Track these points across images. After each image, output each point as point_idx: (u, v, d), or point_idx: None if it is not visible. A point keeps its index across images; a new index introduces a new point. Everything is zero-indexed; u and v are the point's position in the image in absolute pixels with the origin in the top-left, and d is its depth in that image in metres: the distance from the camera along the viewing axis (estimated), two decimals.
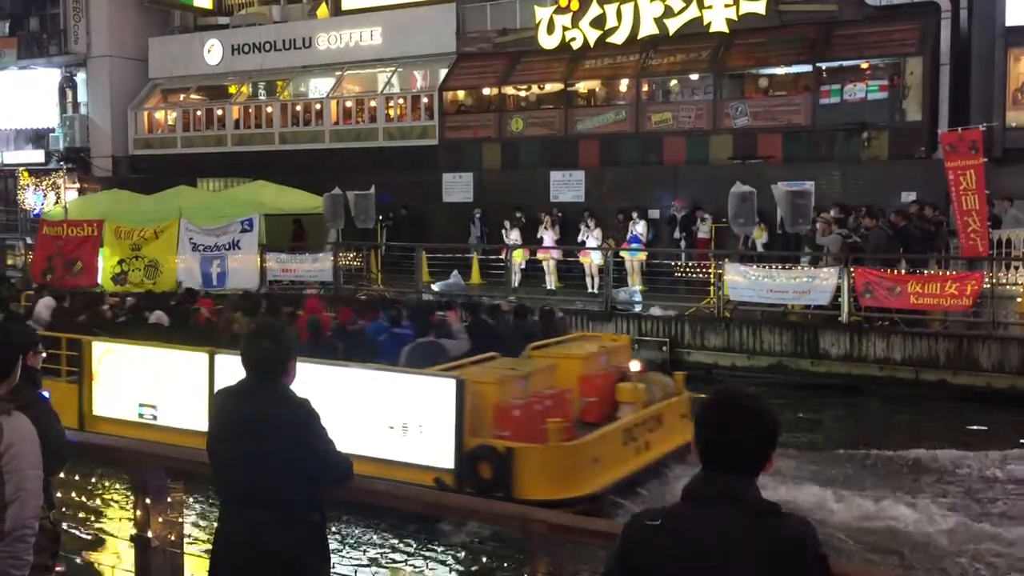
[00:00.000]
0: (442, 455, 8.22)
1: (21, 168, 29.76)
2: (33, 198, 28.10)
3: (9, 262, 24.04)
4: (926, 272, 14.08)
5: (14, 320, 10.31)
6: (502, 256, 18.04)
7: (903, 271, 14.04)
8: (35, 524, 3.12)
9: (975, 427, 12.08)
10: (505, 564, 3.55)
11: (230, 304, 13.07)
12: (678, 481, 8.89)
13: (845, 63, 20.05)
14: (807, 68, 20.17)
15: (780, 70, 20.98)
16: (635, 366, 10.18)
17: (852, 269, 14.00)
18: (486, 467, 8.09)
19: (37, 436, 3.17)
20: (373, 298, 15.29)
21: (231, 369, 10.04)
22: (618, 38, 21.91)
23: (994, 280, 13.88)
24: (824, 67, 20.07)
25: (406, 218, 21.95)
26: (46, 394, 4.26)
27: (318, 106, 26.46)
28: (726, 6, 20.77)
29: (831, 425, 12.68)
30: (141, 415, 10.01)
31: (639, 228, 18.78)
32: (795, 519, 2.31)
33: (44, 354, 4.29)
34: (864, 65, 20.05)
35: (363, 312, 12.13)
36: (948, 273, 14.11)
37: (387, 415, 8.42)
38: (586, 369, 9.98)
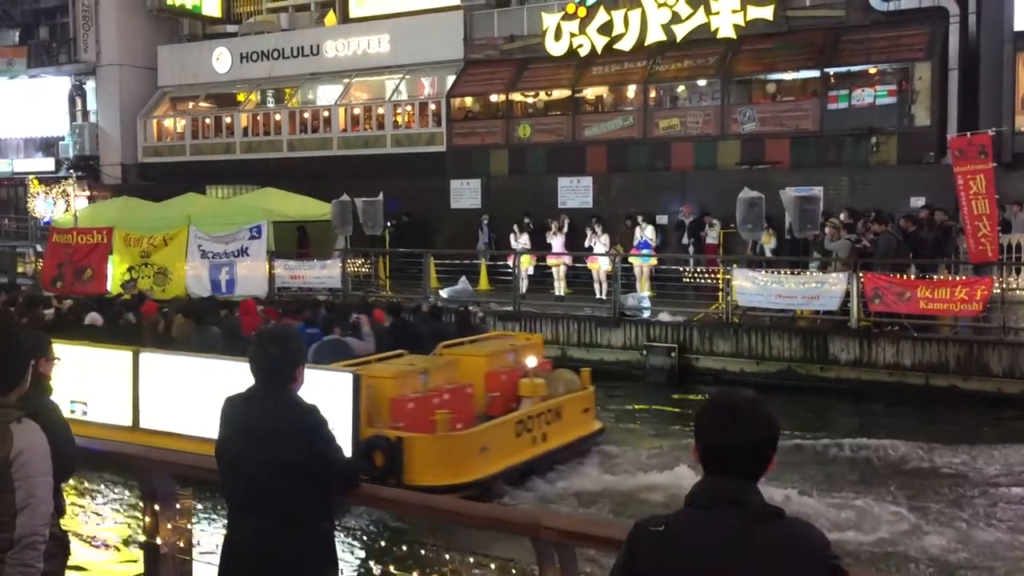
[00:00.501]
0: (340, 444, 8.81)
1: (31, 176, 29.86)
2: (43, 206, 28.18)
3: (20, 270, 24.13)
4: (936, 277, 14.02)
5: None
6: (510, 262, 18.04)
7: (912, 276, 13.99)
8: (45, 531, 3.12)
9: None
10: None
11: (174, 307, 13.68)
12: (574, 471, 9.93)
13: (853, 68, 20.01)
14: (815, 73, 20.14)
15: (788, 75, 20.95)
16: (531, 362, 10.66)
17: (861, 274, 13.96)
18: (379, 455, 8.70)
19: (47, 443, 3.17)
20: (302, 300, 15.62)
21: (156, 367, 10.28)
22: (625, 44, 21.92)
23: (1004, 285, 13.82)
24: (832, 72, 20.04)
25: (409, 224, 21.88)
26: (55, 402, 4.26)
27: (326, 113, 26.52)
28: (733, 12, 20.76)
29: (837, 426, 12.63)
30: (72, 411, 10.23)
31: (647, 233, 18.76)
32: (800, 523, 2.30)
33: (58, 360, 4.30)
34: (872, 70, 20.01)
35: (292, 313, 12.71)
36: (958, 278, 14.05)
37: None
38: (491, 366, 10.59)
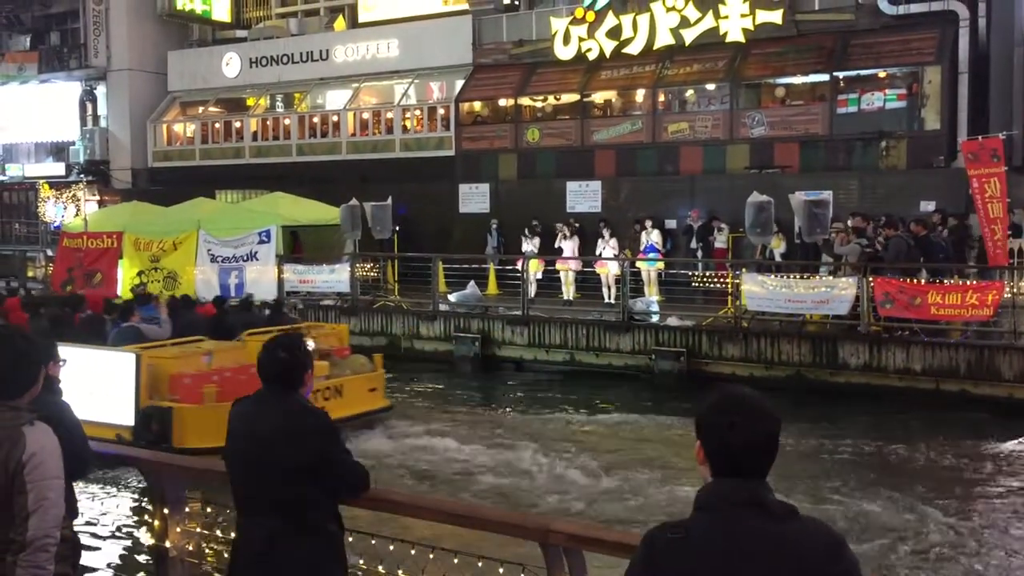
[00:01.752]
0: (124, 415, 10.39)
1: (42, 181, 30.03)
2: (53, 210, 28.32)
3: (30, 274, 24.24)
4: (946, 282, 13.97)
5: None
6: (518, 266, 18.05)
7: (923, 281, 13.94)
8: (57, 534, 3.12)
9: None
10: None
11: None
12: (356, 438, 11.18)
13: (863, 72, 19.98)
14: (824, 77, 20.11)
15: (797, 79, 20.92)
16: (310, 344, 11.84)
17: (871, 279, 13.91)
18: (155, 424, 10.27)
19: (59, 445, 3.18)
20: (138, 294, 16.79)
21: None
22: (634, 49, 21.93)
23: (1015, 289, 13.75)
24: (841, 76, 20.00)
25: (400, 231, 21.14)
26: (66, 402, 4.28)
27: (335, 118, 26.59)
28: (742, 16, 20.75)
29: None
30: None
31: (654, 238, 18.73)
32: (816, 522, 2.23)
33: (65, 363, 4.33)
34: (882, 74, 19.97)
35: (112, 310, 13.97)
36: (969, 283, 13.99)
37: (89, 384, 10.04)
38: None
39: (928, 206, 17.37)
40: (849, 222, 15.90)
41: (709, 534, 2.17)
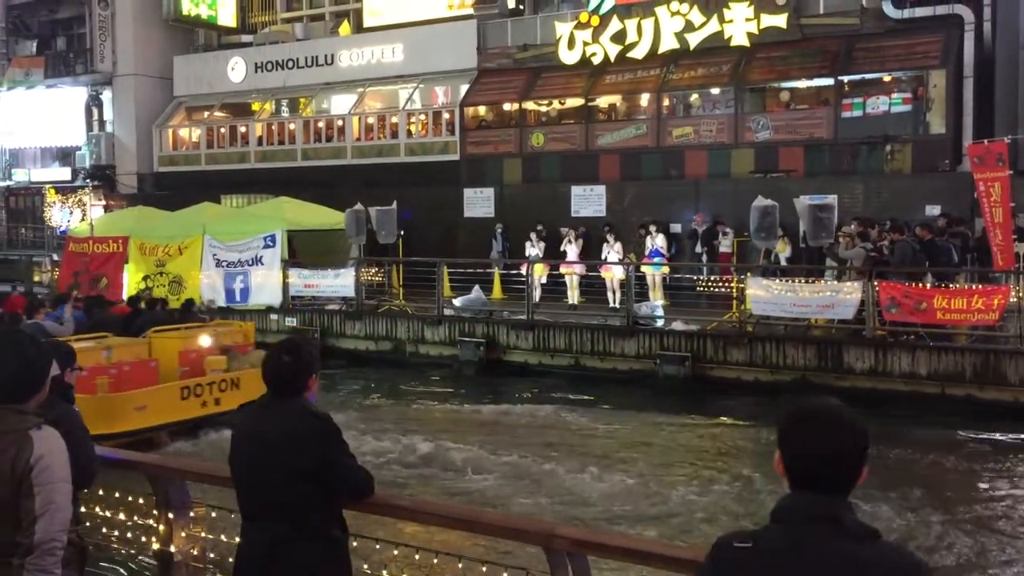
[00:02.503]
0: None
1: (48, 185, 30.15)
2: (59, 215, 28.43)
3: (36, 278, 24.30)
4: (952, 286, 13.93)
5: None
6: (523, 271, 18.06)
7: (928, 285, 13.91)
8: (64, 537, 3.13)
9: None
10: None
11: None
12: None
13: (867, 76, 19.95)
14: (829, 81, 20.09)
15: (802, 83, 20.90)
16: (205, 341, 13.24)
17: (876, 283, 13.89)
18: None
19: (66, 449, 3.19)
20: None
21: None
22: (638, 53, 21.94)
23: (1021, 294, 13.70)
24: (846, 80, 19.99)
25: (404, 235, 20.88)
26: (77, 410, 4.29)
27: (340, 122, 26.63)
28: (747, 20, 20.75)
29: None
30: None
31: (658, 242, 18.73)
32: (899, 547, 2.16)
33: (80, 371, 4.33)
34: (887, 78, 19.95)
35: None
36: (975, 287, 13.95)
37: None
38: (184, 346, 13.07)
39: (933, 210, 17.34)
40: (853, 226, 15.88)
41: (777, 547, 2.11)
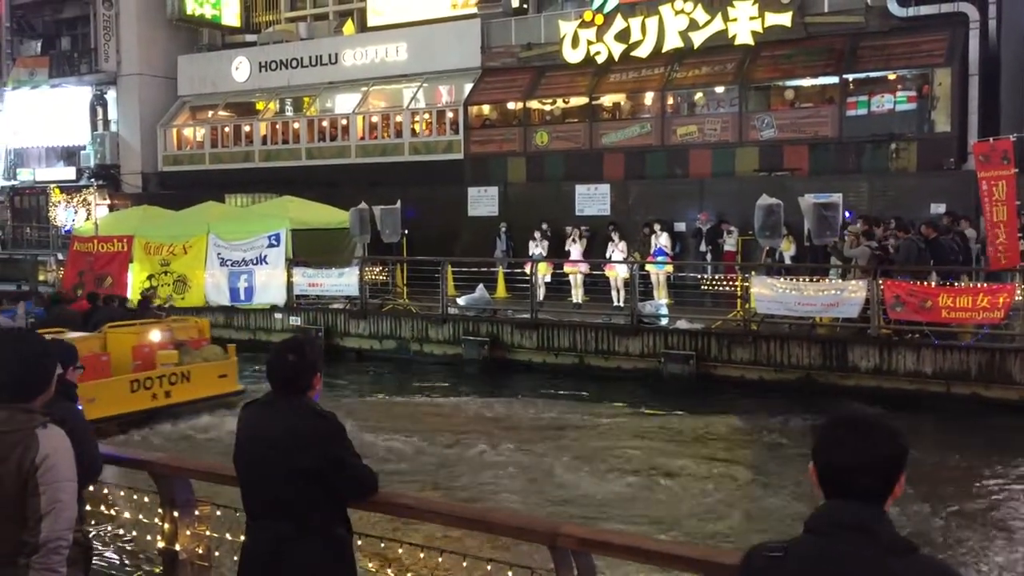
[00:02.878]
0: None
1: (53, 185, 30.21)
2: (64, 214, 28.49)
3: (41, 278, 24.35)
4: (958, 284, 13.90)
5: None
6: (527, 270, 18.05)
7: (933, 283, 13.88)
8: (70, 536, 3.14)
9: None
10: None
11: None
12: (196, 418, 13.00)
13: (872, 74, 19.92)
14: (834, 80, 20.06)
15: (806, 82, 20.87)
16: (156, 336, 13.76)
17: (881, 281, 13.86)
18: None
19: (72, 448, 3.19)
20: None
21: None
22: (643, 52, 21.92)
23: None
24: (851, 78, 19.95)
25: (409, 234, 20.75)
26: (80, 408, 4.30)
27: (344, 121, 26.64)
28: (751, 19, 20.72)
29: None
30: None
31: (663, 241, 18.72)
32: (937, 561, 2.09)
33: (83, 370, 4.35)
34: (892, 76, 19.91)
35: None
36: (980, 286, 13.92)
37: None
38: (138, 341, 13.50)
39: (938, 208, 17.30)
40: (858, 224, 15.86)
41: (809, 557, 2.06)
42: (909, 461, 2.12)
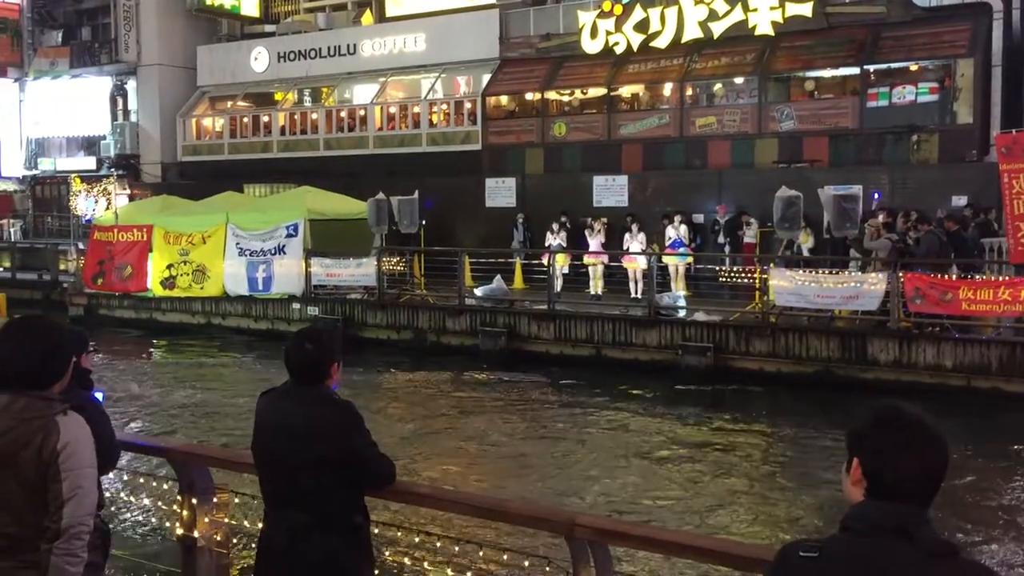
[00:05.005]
0: None
1: (73, 174, 30.36)
2: (85, 204, 28.63)
3: (61, 267, 24.51)
4: (978, 277, 13.78)
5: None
6: (544, 261, 18.03)
7: (954, 276, 13.77)
8: (91, 521, 3.17)
9: None
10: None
11: None
12: None
13: (894, 65, 19.74)
14: (855, 71, 19.90)
15: (827, 73, 20.72)
16: None
17: (901, 274, 13.76)
18: None
19: (91, 435, 3.22)
20: None
21: None
22: (662, 42, 21.81)
23: None
24: (872, 69, 19.78)
25: (426, 225, 20.66)
26: (99, 395, 4.32)
27: (362, 112, 26.67)
28: (772, 9, 20.57)
29: None
30: None
31: (681, 232, 18.65)
32: (978, 566, 2.02)
33: (94, 350, 4.38)
34: (913, 67, 19.72)
35: None
36: (1001, 279, 13.80)
37: None
38: None
39: (959, 201, 17.15)
40: (880, 217, 15.73)
41: (845, 558, 1.99)
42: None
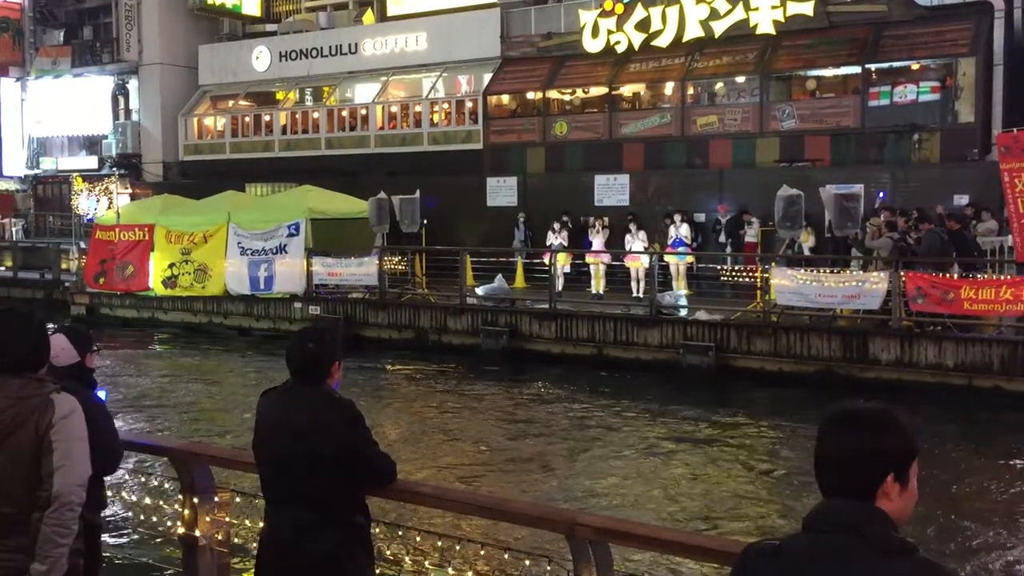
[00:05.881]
0: None
1: (75, 174, 30.42)
2: (86, 203, 28.67)
3: (63, 266, 24.53)
4: (980, 277, 13.78)
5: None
6: (546, 260, 18.03)
7: (956, 275, 13.76)
8: (81, 493, 3.28)
9: None
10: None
11: None
12: None
13: (895, 64, 19.73)
14: (856, 69, 19.88)
15: (828, 72, 20.70)
16: None
17: (903, 273, 13.75)
18: None
19: (83, 411, 3.38)
20: None
21: None
22: (663, 41, 21.80)
23: None
24: (873, 68, 19.77)
25: (427, 224, 20.71)
26: (101, 394, 4.33)
27: (364, 111, 26.68)
28: (773, 8, 20.56)
29: None
30: None
31: (682, 231, 18.65)
32: (935, 565, 1.95)
33: (99, 350, 4.43)
34: (915, 66, 19.71)
35: None
36: (1003, 278, 13.80)
37: None
38: None
39: (961, 200, 17.14)
40: (882, 217, 15.73)
41: (799, 556, 1.99)
42: (901, 459, 1.99)
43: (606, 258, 18.93)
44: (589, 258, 19.02)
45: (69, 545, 3.24)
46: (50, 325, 6.53)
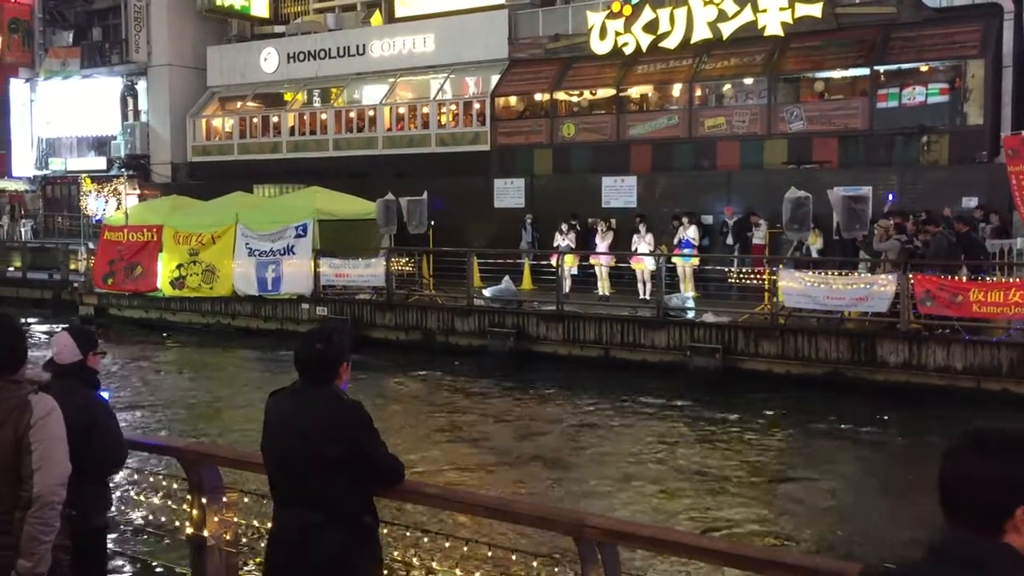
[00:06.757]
0: None
1: (84, 175, 30.48)
2: (95, 204, 28.73)
3: (72, 267, 24.60)
4: (989, 279, 13.73)
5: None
6: (553, 262, 18.02)
7: (964, 278, 13.72)
8: (61, 491, 3.32)
9: None
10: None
11: None
12: None
13: (904, 66, 19.68)
14: (864, 71, 19.84)
15: (836, 73, 20.66)
16: None
17: (911, 276, 13.71)
18: None
19: (61, 411, 3.41)
20: None
21: None
22: (671, 43, 21.79)
23: None
24: (882, 70, 19.73)
25: (435, 225, 20.67)
26: (105, 395, 4.34)
27: (371, 113, 26.71)
28: (781, 9, 20.53)
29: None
30: None
31: (689, 233, 18.62)
32: None
33: (104, 355, 4.42)
34: (924, 68, 19.66)
35: None
36: (1012, 280, 13.75)
37: None
38: None
39: (970, 202, 17.09)
40: (891, 220, 15.68)
41: None
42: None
43: (608, 260, 18.89)
44: (593, 259, 19.00)
45: (52, 541, 3.30)
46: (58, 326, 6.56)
